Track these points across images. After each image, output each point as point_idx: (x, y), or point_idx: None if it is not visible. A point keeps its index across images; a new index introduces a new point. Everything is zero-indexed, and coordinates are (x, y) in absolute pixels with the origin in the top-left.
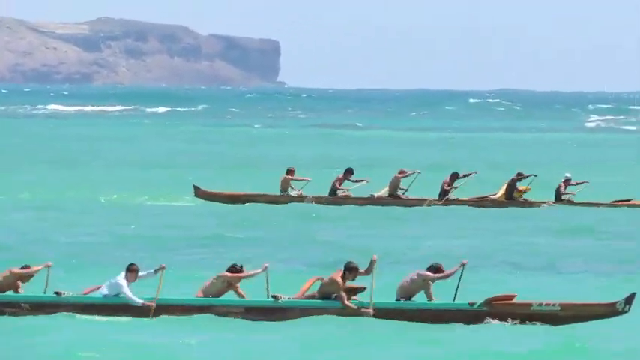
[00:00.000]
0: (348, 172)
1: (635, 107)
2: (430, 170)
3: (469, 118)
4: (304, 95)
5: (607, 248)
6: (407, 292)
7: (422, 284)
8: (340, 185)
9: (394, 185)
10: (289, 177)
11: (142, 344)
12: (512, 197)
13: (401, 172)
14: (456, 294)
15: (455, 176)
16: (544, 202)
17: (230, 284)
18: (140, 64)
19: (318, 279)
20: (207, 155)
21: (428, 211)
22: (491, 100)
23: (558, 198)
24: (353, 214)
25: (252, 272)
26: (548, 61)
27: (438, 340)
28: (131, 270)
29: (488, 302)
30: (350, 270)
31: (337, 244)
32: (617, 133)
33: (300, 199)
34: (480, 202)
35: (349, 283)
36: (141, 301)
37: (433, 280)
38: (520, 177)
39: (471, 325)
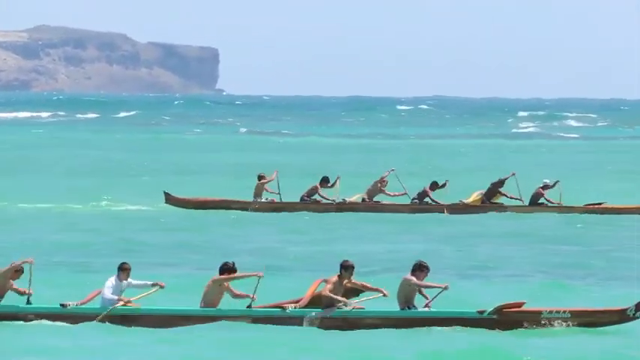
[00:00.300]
0: (324, 180)
1: (568, 114)
2: (354, 176)
3: (400, 124)
4: (238, 102)
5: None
6: (405, 300)
7: (409, 288)
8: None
9: (373, 192)
10: (262, 182)
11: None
12: (490, 200)
13: (382, 181)
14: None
15: (435, 185)
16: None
17: (226, 287)
18: (79, 71)
19: (323, 281)
20: (143, 161)
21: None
22: (423, 107)
23: (534, 203)
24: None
25: (247, 274)
26: (486, 69)
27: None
28: (123, 269)
29: (499, 310)
30: (346, 268)
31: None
32: (548, 138)
33: (272, 205)
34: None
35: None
36: (116, 301)
37: (417, 285)
38: (502, 181)
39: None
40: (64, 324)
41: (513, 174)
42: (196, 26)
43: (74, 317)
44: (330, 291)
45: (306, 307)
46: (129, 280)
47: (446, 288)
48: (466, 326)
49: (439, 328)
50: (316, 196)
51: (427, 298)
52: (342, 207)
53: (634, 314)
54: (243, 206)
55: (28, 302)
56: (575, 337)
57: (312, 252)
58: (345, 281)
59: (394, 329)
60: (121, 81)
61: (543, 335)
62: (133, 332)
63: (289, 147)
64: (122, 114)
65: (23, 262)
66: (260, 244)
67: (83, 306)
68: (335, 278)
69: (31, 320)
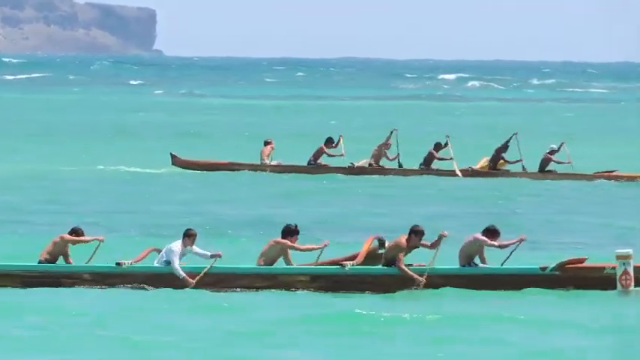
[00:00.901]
0: (328, 141)
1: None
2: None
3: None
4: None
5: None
6: (466, 258)
7: (477, 248)
8: (320, 155)
9: (378, 156)
10: (270, 147)
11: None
12: (496, 167)
13: (386, 144)
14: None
15: (438, 146)
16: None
17: (286, 252)
18: (17, 32)
19: (377, 238)
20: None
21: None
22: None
23: (543, 169)
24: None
25: (311, 247)
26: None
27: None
28: (189, 235)
29: (561, 266)
30: (416, 233)
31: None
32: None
33: (280, 168)
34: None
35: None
36: (183, 274)
37: (488, 246)
38: (506, 145)
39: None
40: (117, 282)
41: (515, 134)
42: None
43: (130, 276)
44: (394, 251)
45: (361, 264)
46: (193, 246)
47: (522, 240)
48: (529, 283)
49: (502, 285)
50: (323, 158)
51: (485, 262)
52: (352, 171)
53: None
54: (251, 169)
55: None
56: None
57: (325, 216)
58: (412, 245)
59: (458, 288)
60: (59, 42)
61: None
62: (186, 291)
63: (192, 107)
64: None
65: (94, 239)
66: (271, 209)
67: (137, 264)
68: (403, 240)
69: (87, 279)
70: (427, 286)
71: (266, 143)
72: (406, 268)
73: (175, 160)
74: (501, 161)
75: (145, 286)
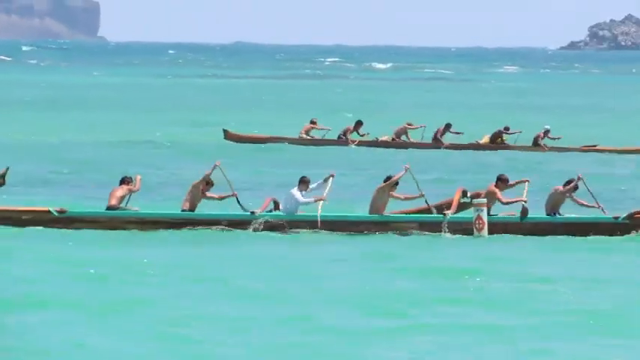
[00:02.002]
0: (358, 123)
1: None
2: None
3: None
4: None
5: None
6: (552, 208)
7: (559, 197)
8: (349, 134)
9: (400, 132)
10: (312, 126)
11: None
12: (495, 142)
13: (408, 124)
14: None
15: (448, 126)
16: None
17: (391, 194)
18: None
19: (463, 190)
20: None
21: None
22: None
23: (535, 144)
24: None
25: (399, 175)
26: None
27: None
28: (303, 181)
29: (631, 216)
30: (502, 180)
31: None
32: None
33: (319, 141)
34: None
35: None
36: (311, 199)
37: (569, 195)
38: (506, 132)
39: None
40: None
41: (520, 132)
42: None
43: (263, 222)
44: (493, 197)
45: (454, 213)
46: (308, 187)
47: (601, 209)
48: (604, 230)
49: (580, 232)
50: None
51: (581, 202)
52: (378, 144)
53: None
54: (292, 142)
55: (241, 206)
56: None
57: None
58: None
59: (538, 236)
60: (18, 29)
61: None
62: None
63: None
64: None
65: (212, 170)
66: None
67: (268, 213)
68: (493, 187)
69: (225, 225)
70: (519, 231)
71: (312, 122)
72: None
73: (227, 135)
74: (500, 139)
75: (279, 230)
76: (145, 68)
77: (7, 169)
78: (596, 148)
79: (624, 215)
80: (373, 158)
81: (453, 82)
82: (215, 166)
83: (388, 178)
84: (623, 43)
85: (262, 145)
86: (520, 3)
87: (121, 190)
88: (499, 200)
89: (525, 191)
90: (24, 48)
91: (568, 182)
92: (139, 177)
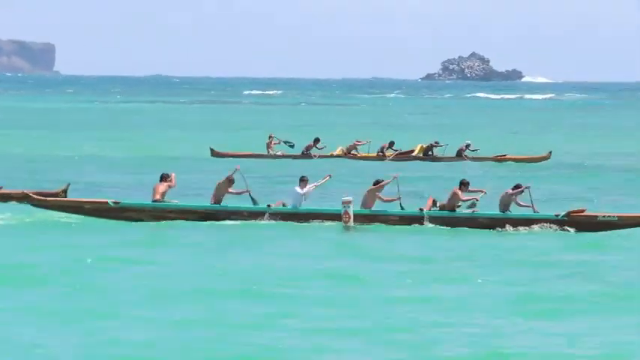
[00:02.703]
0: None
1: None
2: None
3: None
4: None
5: None
6: (504, 207)
7: (509, 199)
8: (310, 150)
9: (351, 148)
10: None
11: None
12: (427, 154)
13: (357, 141)
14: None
15: (392, 143)
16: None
17: (378, 195)
18: None
19: (433, 199)
20: None
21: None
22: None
23: (458, 155)
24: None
25: (386, 182)
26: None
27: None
28: (303, 180)
29: (568, 214)
30: (464, 184)
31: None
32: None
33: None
34: (403, 156)
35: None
36: (312, 188)
37: (514, 198)
38: (437, 144)
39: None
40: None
41: (447, 145)
42: (40, 26)
43: (276, 214)
44: (453, 200)
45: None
46: (307, 186)
47: (527, 187)
48: (546, 223)
49: (525, 227)
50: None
51: (520, 205)
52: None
53: None
54: (264, 157)
55: (252, 199)
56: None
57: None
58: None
59: (489, 229)
60: None
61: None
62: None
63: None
64: None
65: (234, 172)
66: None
67: (279, 207)
68: (456, 190)
69: (245, 216)
70: (480, 225)
71: (316, 139)
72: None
73: (213, 153)
74: (431, 149)
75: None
76: (81, 96)
77: (69, 185)
78: (506, 157)
79: (563, 213)
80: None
81: (340, 107)
82: (236, 170)
83: (377, 182)
84: (468, 75)
85: (243, 160)
86: (385, 42)
87: (162, 186)
88: (460, 199)
89: (479, 195)
90: None
91: (516, 186)
92: (173, 175)
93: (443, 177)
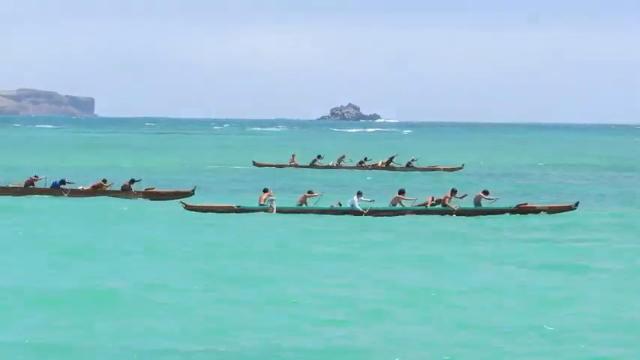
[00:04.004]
0: (293, 155)
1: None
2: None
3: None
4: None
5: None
6: (477, 203)
7: (480, 198)
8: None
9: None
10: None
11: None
12: (389, 166)
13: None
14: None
15: (362, 161)
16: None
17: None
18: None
19: (432, 197)
20: None
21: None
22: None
23: (408, 165)
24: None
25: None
26: None
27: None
28: (358, 193)
29: (518, 205)
30: (453, 191)
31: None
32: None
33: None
34: (363, 167)
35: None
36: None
37: (484, 197)
38: (392, 158)
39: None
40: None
41: (396, 154)
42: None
43: (314, 211)
44: (446, 199)
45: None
46: (360, 198)
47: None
48: (502, 213)
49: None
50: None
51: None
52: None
53: (577, 205)
54: (298, 167)
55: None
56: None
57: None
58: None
59: (469, 216)
60: (54, 112)
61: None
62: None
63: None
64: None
65: (313, 195)
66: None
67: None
68: (449, 194)
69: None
70: (463, 214)
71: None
72: (451, 205)
73: (254, 163)
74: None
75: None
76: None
77: (195, 187)
78: (436, 167)
79: (514, 205)
80: (319, 177)
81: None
82: (314, 194)
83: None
84: (347, 117)
85: (278, 169)
86: (298, 92)
87: (265, 195)
88: (446, 202)
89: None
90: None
91: (485, 191)
92: (271, 190)
93: (400, 182)
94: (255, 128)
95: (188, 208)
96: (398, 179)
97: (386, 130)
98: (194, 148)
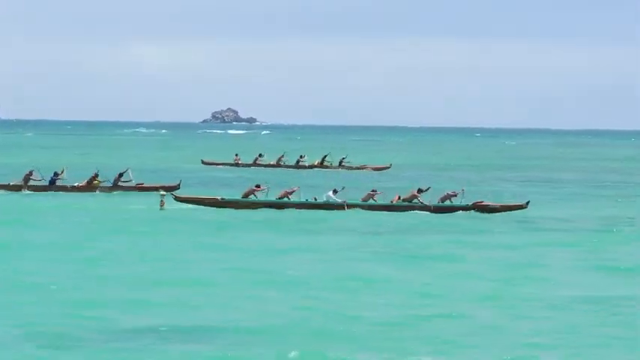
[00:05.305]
0: (259, 155)
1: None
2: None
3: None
4: None
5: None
6: (444, 200)
7: (448, 197)
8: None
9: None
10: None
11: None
12: (323, 165)
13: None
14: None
15: (323, 159)
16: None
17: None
18: None
19: (419, 188)
20: None
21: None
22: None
23: (340, 164)
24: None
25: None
26: None
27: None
28: (334, 190)
29: (474, 204)
30: (420, 190)
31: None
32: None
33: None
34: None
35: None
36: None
37: (453, 195)
38: (325, 158)
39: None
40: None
41: (345, 157)
42: None
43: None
44: (414, 197)
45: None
46: (332, 194)
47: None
48: (459, 210)
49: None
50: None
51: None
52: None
53: (527, 204)
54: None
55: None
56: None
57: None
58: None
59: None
60: None
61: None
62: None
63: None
64: None
65: (292, 189)
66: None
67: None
68: (415, 192)
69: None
70: (428, 210)
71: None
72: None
73: (203, 162)
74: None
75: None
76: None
77: (181, 181)
78: (388, 167)
79: (471, 203)
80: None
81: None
82: (294, 190)
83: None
84: (226, 120)
85: (222, 167)
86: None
87: (249, 190)
88: (417, 198)
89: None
90: None
91: (454, 191)
92: (262, 185)
93: (336, 180)
94: (124, 130)
95: (177, 199)
96: (330, 177)
97: (245, 131)
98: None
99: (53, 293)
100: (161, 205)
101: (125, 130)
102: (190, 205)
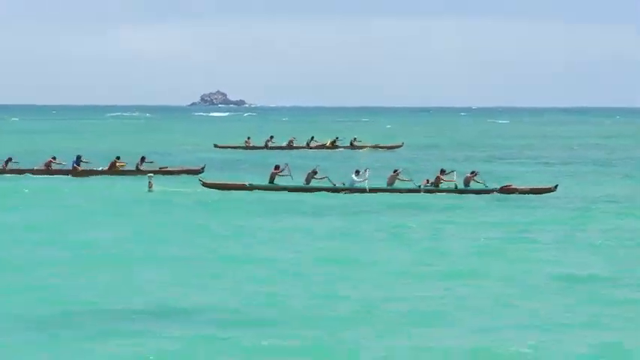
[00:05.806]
0: (248, 139)
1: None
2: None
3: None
4: None
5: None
6: (466, 184)
7: (470, 179)
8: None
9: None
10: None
11: None
12: (334, 145)
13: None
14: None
15: (308, 142)
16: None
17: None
18: None
19: (442, 169)
20: None
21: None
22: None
23: (351, 144)
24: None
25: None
26: None
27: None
28: (356, 172)
29: (501, 188)
30: (442, 171)
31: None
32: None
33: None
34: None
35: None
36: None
37: (474, 179)
38: (336, 140)
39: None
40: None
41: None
42: None
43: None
44: (439, 180)
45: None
46: (357, 176)
47: (485, 185)
48: (485, 193)
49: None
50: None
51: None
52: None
53: (556, 187)
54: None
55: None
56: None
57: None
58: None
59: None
60: None
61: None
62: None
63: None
64: None
65: (315, 170)
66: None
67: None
68: (439, 175)
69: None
70: (457, 192)
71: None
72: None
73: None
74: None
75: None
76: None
77: (205, 165)
78: (400, 145)
79: (499, 187)
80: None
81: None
82: (316, 170)
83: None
84: (215, 102)
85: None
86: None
87: (272, 174)
88: (440, 179)
89: (454, 177)
90: None
91: (473, 172)
92: (287, 164)
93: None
94: (117, 113)
95: (205, 185)
96: (343, 158)
97: (228, 114)
98: None
99: (45, 277)
100: (149, 187)
101: (112, 114)
102: (181, 189)
